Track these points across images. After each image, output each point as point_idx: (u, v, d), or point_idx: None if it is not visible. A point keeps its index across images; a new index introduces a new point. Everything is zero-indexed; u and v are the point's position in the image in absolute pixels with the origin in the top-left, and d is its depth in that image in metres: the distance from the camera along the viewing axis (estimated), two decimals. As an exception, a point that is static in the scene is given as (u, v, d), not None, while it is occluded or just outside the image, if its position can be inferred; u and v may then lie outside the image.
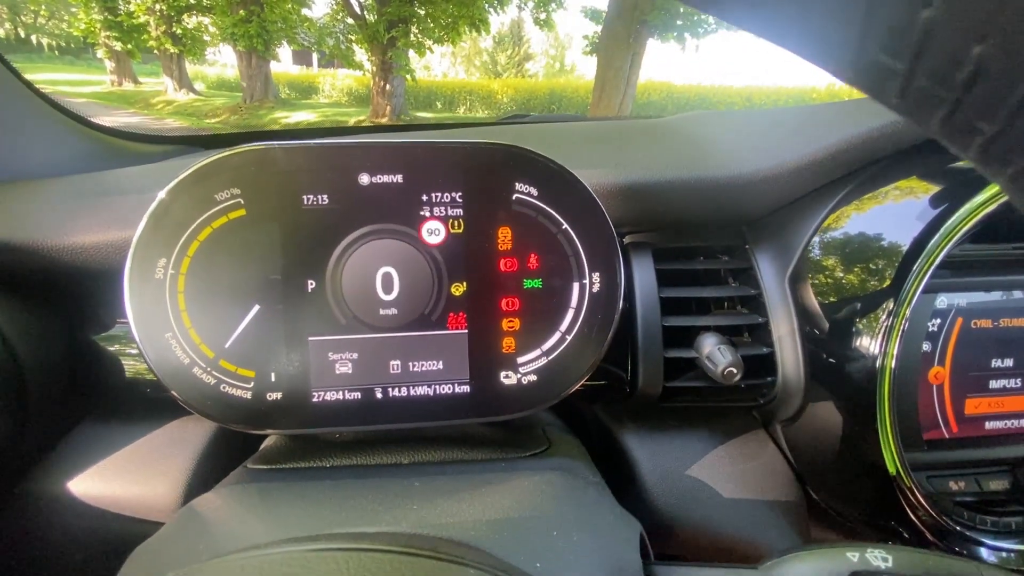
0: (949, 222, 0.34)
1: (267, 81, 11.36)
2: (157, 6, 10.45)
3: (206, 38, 11.75)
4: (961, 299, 0.38)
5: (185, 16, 11.12)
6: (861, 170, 0.41)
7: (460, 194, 0.32)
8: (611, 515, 0.27)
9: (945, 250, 0.33)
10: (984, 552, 0.37)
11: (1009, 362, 0.39)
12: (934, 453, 0.38)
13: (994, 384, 0.39)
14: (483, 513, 0.25)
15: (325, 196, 0.31)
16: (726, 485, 0.40)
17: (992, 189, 0.33)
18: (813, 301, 0.38)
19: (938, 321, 0.38)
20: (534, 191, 0.33)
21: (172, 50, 11.50)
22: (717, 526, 0.39)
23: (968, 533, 0.37)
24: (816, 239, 0.40)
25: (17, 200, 0.41)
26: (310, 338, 0.32)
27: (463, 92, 18.33)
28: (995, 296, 0.38)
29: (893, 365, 0.34)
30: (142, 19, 10.78)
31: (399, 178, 0.32)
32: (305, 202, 0.31)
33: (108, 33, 10.80)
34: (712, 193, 0.41)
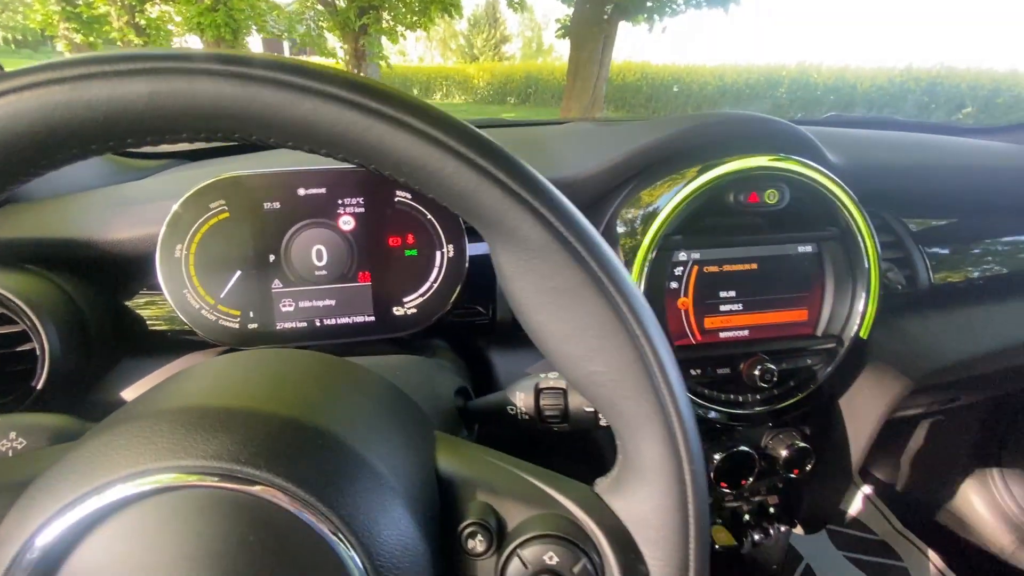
0: (667, 209, 0.55)
1: (237, 71, 11.20)
2: (119, -5, 10.13)
3: (171, 28, 11.44)
4: (696, 253, 0.59)
5: (148, 5, 10.80)
6: (645, 170, 0.61)
7: (362, 199, 0.52)
8: (444, 374, 0.48)
9: (667, 224, 0.54)
10: (712, 414, 0.59)
11: (732, 293, 0.60)
12: (684, 353, 0.59)
13: (723, 308, 0.60)
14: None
15: (277, 203, 0.51)
16: None
17: (691, 187, 0.54)
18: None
19: (680, 268, 0.59)
20: (408, 195, 0.53)
21: (136, 42, 11.20)
22: None
23: (700, 401, 0.58)
24: (617, 219, 0.60)
25: (68, 210, 0.60)
26: (273, 290, 0.52)
27: (439, 78, 18.19)
28: (720, 251, 0.59)
29: None
30: (103, 9, 10.44)
31: (323, 190, 0.51)
32: (265, 207, 0.51)
33: (67, 25, 10.44)
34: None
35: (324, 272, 0.52)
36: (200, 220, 0.50)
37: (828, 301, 0.62)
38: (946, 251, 0.77)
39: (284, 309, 0.52)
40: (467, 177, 0.25)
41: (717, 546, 0.70)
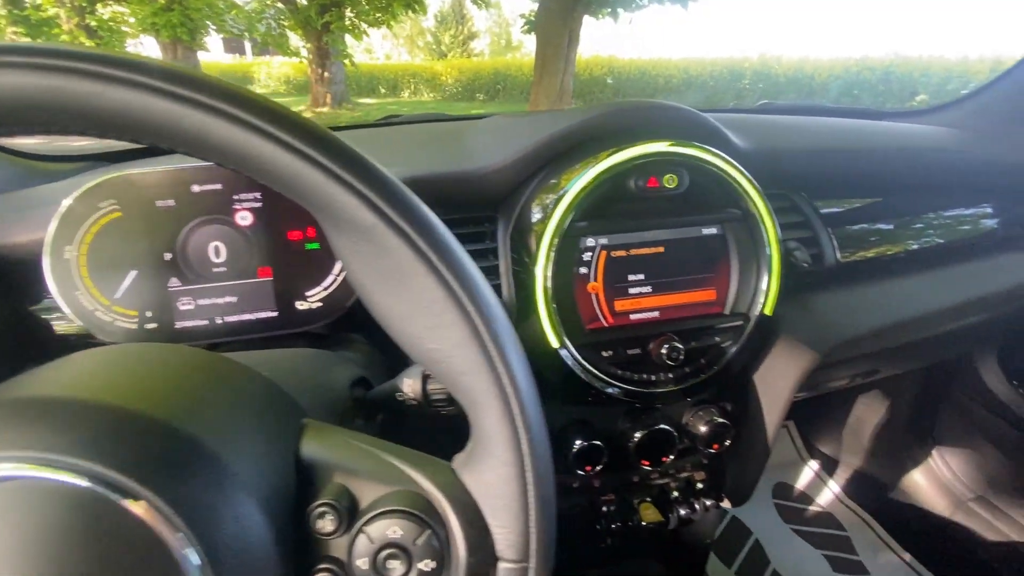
0: (569, 196, 0.56)
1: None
2: (68, -3, 9.76)
3: (125, 29, 11.06)
4: (603, 239, 0.60)
5: (99, 6, 10.42)
6: (556, 159, 0.62)
7: (259, 194, 0.52)
8: (343, 366, 0.48)
9: (571, 211, 0.56)
10: (613, 391, 0.60)
11: (641, 276, 0.62)
12: (597, 336, 0.61)
13: (632, 291, 0.62)
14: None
15: (171, 201, 0.50)
16: None
17: (590, 175, 0.56)
18: (529, 244, 0.59)
19: (589, 254, 0.60)
20: None
21: (88, 43, 10.80)
22: None
23: (608, 379, 0.60)
24: (531, 207, 0.61)
25: None
26: (171, 289, 0.51)
27: (407, 75, 18.01)
28: (626, 235, 0.61)
29: (548, 283, 0.56)
30: (51, 11, 10.06)
31: (219, 186, 0.51)
32: (158, 205, 0.50)
33: (15, 29, 10.02)
34: (461, 183, 0.62)
35: (223, 269, 0.52)
36: (90, 220, 0.49)
37: (734, 280, 0.64)
38: (857, 229, 0.80)
39: (183, 307, 0.51)
40: (287, 161, 0.25)
41: (644, 522, 0.72)
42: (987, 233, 0.90)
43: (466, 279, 0.27)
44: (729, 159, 0.60)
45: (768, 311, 0.63)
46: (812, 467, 1.49)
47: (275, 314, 0.53)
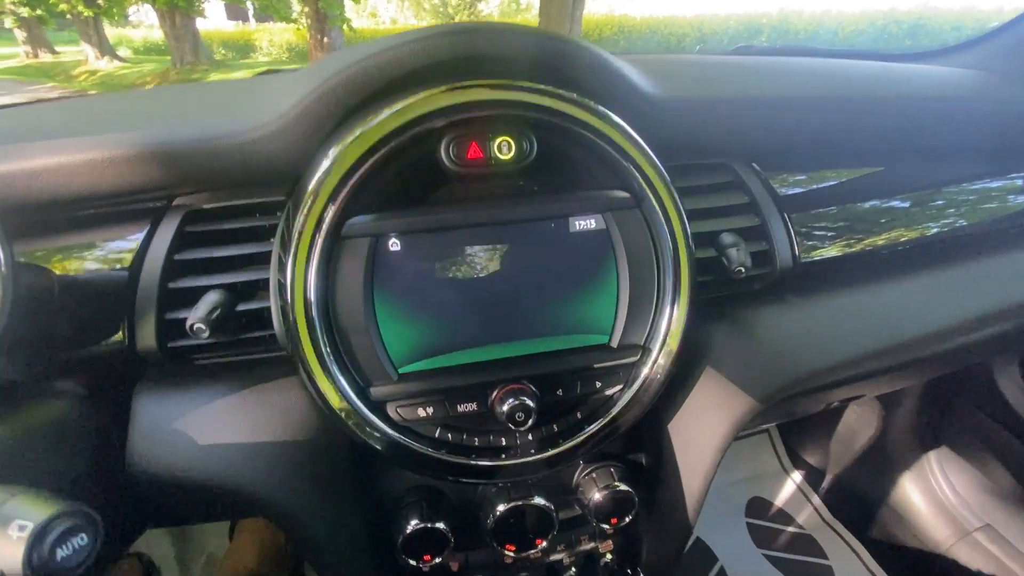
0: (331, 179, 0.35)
1: (196, 41, 10.57)
2: (63, -36, 9.49)
3: (125, -4, 10.79)
4: (399, 240, 0.40)
5: (96, -26, 10.14)
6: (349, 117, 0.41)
7: None
8: None
9: (340, 200, 0.35)
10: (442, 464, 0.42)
11: (469, 296, 0.42)
12: (407, 384, 0.41)
13: (453, 317, 0.42)
14: None
15: None
16: None
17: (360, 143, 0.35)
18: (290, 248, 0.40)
19: (381, 264, 0.40)
20: None
21: (86, 13, 10.58)
22: None
23: (432, 450, 0.41)
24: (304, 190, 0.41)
25: None
26: None
27: (409, 39, 17.40)
28: (440, 235, 0.40)
29: (312, 309, 0.36)
30: (49, -19, 9.83)
31: None
32: None
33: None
34: (222, 155, 0.42)
35: None
36: None
37: (624, 298, 0.43)
38: (832, 214, 0.58)
39: None
40: None
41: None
42: (1019, 213, 0.67)
43: None
44: (606, 114, 0.39)
45: (673, 343, 0.43)
46: (794, 479, 1.29)
47: None
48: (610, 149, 0.39)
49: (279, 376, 0.45)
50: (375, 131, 0.35)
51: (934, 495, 1.09)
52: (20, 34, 12.28)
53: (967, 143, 0.64)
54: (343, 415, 0.39)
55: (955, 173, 0.64)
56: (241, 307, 0.42)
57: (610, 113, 0.38)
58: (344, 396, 0.38)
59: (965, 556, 1.01)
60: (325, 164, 0.36)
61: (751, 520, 1.21)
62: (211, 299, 0.41)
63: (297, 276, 0.36)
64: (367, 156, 0.35)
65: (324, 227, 0.36)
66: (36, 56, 12.44)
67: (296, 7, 11.61)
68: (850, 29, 10.10)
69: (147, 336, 0.41)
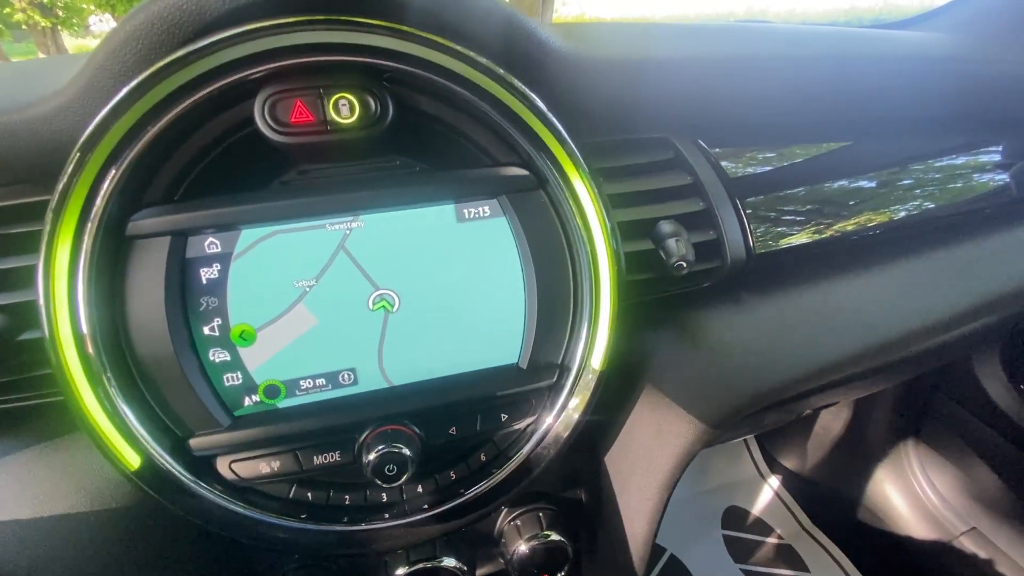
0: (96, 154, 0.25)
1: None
2: (19, -26, 9.23)
3: (83, 6, 10.56)
4: (212, 240, 0.30)
5: (52, -17, 9.90)
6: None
7: None
8: None
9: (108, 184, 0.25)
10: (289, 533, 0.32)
11: (314, 318, 0.32)
12: (236, 433, 0.31)
13: (294, 340, 0.32)
14: None
15: None
16: None
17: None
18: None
19: (204, 267, 0.30)
20: None
21: (44, 23, 10.27)
22: None
23: (272, 515, 0.31)
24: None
25: None
26: None
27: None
28: (259, 227, 0.31)
29: (79, 324, 0.26)
30: (3, -11, 9.56)
31: None
32: None
33: (-36, 9, 9.54)
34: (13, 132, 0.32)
35: None
36: None
37: (532, 306, 0.34)
38: (797, 196, 0.50)
39: None
40: None
41: None
42: (996, 191, 0.59)
43: None
44: (489, 67, 0.29)
45: (597, 361, 0.34)
46: (772, 485, 1.22)
47: None
48: (497, 115, 0.30)
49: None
50: (159, 83, 0.25)
51: (916, 498, 1.03)
52: (-27, 45, 11.82)
53: (940, 112, 0.56)
54: (145, 480, 0.28)
55: (928, 148, 0.56)
56: (25, 336, 0.32)
57: (493, 65, 0.29)
58: (146, 454, 0.28)
59: (951, 563, 0.95)
60: (107, 128, 0.26)
61: (728, 532, 1.14)
62: None
63: (54, 296, 0.26)
64: (148, 120, 0.25)
65: (93, 224, 0.26)
66: (-11, 68, 12.01)
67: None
68: (814, 26, 10.34)
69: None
